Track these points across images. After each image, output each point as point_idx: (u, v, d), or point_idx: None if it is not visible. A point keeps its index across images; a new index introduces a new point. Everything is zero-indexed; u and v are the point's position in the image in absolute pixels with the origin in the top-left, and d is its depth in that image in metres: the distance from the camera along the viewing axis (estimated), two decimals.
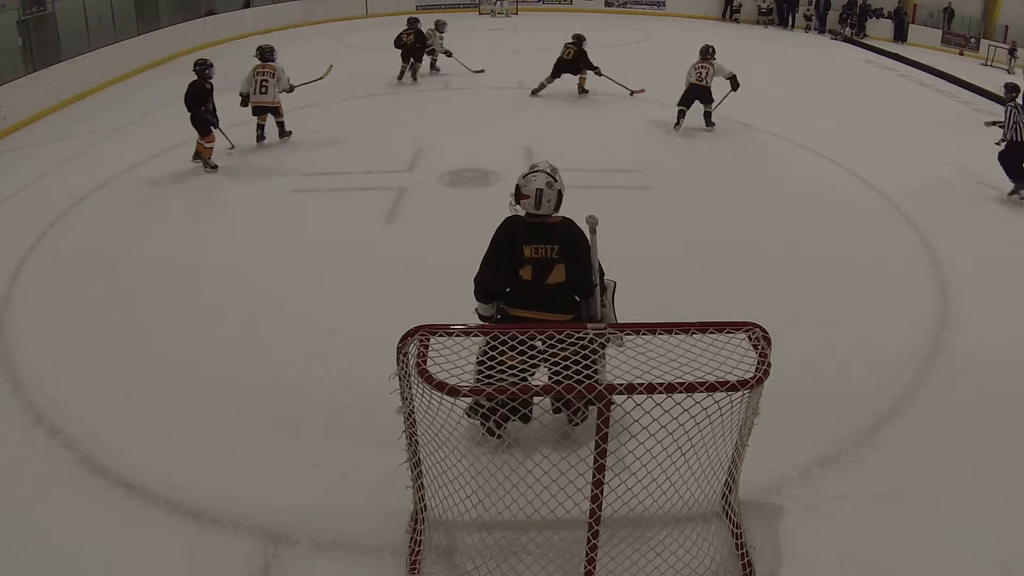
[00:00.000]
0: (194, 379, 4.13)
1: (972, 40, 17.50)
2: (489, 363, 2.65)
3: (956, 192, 7.39)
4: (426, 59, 12.12)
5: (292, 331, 4.59)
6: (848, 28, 19.29)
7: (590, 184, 7.12)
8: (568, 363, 2.55)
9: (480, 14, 21.36)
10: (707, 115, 9.13)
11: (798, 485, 3.35)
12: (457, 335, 2.63)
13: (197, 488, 3.27)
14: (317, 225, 6.28)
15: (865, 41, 18.67)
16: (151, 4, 14.52)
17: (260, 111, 8.47)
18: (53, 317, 4.86)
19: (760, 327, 2.68)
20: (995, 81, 11.08)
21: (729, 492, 3.01)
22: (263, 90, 8.35)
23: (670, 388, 2.36)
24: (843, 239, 6.10)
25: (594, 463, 2.49)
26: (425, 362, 2.47)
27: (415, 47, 11.62)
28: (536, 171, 3.29)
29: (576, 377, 2.46)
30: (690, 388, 2.38)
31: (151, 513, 3.17)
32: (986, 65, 15.79)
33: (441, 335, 2.60)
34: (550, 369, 2.73)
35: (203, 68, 7.53)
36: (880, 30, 19.22)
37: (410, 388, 2.60)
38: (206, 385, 4.08)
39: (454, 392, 2.35)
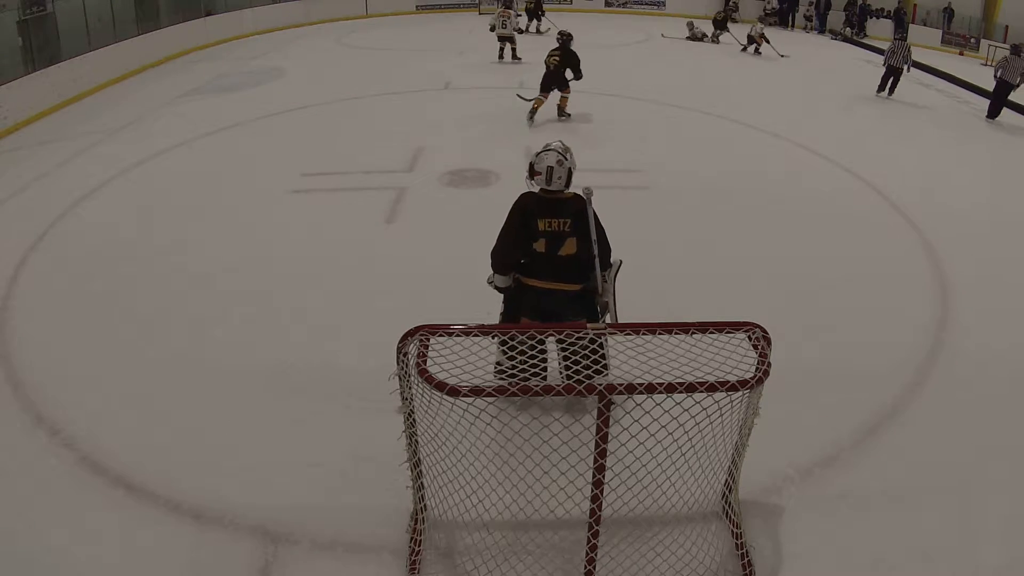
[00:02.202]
0: (194, 379, 4.13)
1: (972, 40, 17.49)
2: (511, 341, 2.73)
3: (956, 192, 7.38)
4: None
5: (292, 331, 4.59)
6: (848, 28, 19.29)
7: (590, 184, 7.11)
8: (578, 349, 2.62)
9: (480, 14, 21.34)
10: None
11: (798, 485, 3.35)
12: (457, 335, 2.63)
13: (197, 488, 3.27)
14: (317, 225, 6.28)
15: (865, 41, 18.67)
16: (151, 4, 14.53)
17: (502, 39, 13.28)
18: (53, 317, 4.86)
19: (760, 327, 2.68)
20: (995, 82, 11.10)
21: (729, 492, 3.01)
22: (504, 25, 13.14)
23: (670, 388, 2.36)
24: (843, 239, 6.10)
25: (594, 463, 2.49)
26: (425, 362, 2.47)
27: (535, 9, 17.23)
28: (548, 149, 3.52)
29: (583, 364, 2.53)
30: (690, 388, 2.38)
31: (151, 513, 3.17)
32: (986, 65, 15.77)
33: (441, 335, 2.60)
34: (561, 353, 2.77)
35: (570, 38, 9.42)
36: (880, 30, 19.22)
37: (410, 388, 2.60)
38: (206, 385, 4.08)
39: (454, 392, 2.35)
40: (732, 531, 2.97)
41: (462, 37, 17.04)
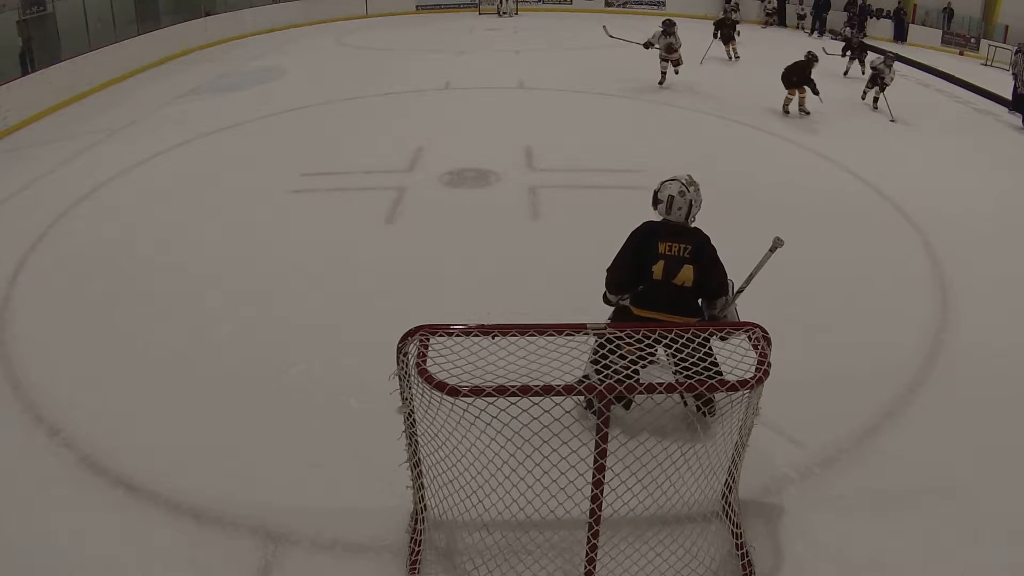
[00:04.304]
0: (194, 379, 4.13)
1: (972, 40, 17.48)
2: (603, 357, 2.70)
3: (956, 192, 7.38)
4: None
5: (292, 331, 4.59)
6: (848, 28, 19.26)
7: (590, 184, 7.13)
8: (692, 359, 2.63)
9: (480, 14, 21.36)
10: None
11: (798, 485, 3.35)
12: (457, 335, 2.63)
13: (197, 488, 3.27)
14: (317, 225, 6.28)
15: (865, 41, 18.64)
16: (151, 4, 14.53)
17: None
18: (53, 317, 4.86)
19: (760, 327, 2.68)
20: (995, 81, 11.09)
21: (729, 492, 3.01)
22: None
23: (670, 388, 2.36)
24: (843, 239, 6.10)
25: (594, 463, 2.49)
26: (425, 362, 2.47)
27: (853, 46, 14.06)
28: (672, 179, 3.56)
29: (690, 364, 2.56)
30: (690, 388, 2.38)
31: (151, 513, 3.17)
32: (986, 65, 15.77)
33: (441, 335, 2.60)
34: (676, 365, 2.78)
35: (815, 58, 10.12)
36: (880, 30, 19.20)
37: (410, 388, 2.61)
38: (206, 385, 4.08)
39: (454, 392, 2.36)
40: (732, 531, 2.97)
41: (462, 37, 17.06)
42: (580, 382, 2.42)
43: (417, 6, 21.76)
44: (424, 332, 2.58)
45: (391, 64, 13.63)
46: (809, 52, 10.10)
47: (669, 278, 3.43)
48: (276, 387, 4.05)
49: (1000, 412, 3.92)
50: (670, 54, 11.24)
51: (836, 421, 3.75)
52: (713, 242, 3.54)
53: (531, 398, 2.39)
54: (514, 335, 2.67)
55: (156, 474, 3.36)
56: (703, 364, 2.66)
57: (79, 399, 3.94)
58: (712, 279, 3.48)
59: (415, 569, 2.84)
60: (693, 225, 3.59)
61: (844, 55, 13.57)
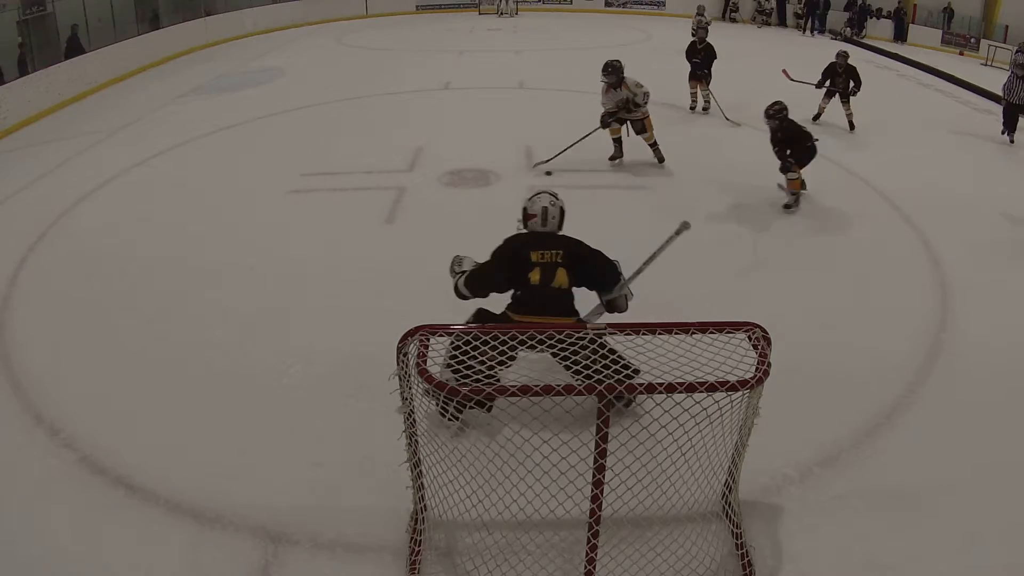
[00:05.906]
0: (194, 379, 4.13)
1: (972, 40, 17.48)
2: (461, 356, 2.66)
3: (956, 192, 7.38)
4: None
5: (292, 331, 4.59)
6: (848, 28, 19.26)
7: (588, 184, 7.13)
8: (586, 360, 2.62)
9: (480, 14, 21.37)
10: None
11: (798, 485, 3.35)
12: (457, 335, 2.63)
13: (197, 488, 3.27)
14: (317, 225, 6.28)
15: (865, 41, 18.65)
16: (151, 4, 14.54)
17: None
18: (53, 317, 4.86)
19: (760, 327, 2.68)
20: (995, 81, 11.06)
21: (729, 492, 3.01)
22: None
23: (670, 388, 2.36)
24: (843, 239, 6.10)
25: (594, 463, 2.49)
26: (425, 362, 2.47)
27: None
28: (539, 193, 3.68)
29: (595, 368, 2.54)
30: (690, 388, 2.38)
31: (151, 513, 3.17)
32: (986, 65, 15.77)
33: (441, 335, 2.60)
34: (569, 367, 2.76)
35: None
36: (880, 30, 19.20)
37: (410, 388, 2.61)
38: (206, 385, 4.08)
39: (454, 392, 2.36)
40: (732, 531, 2.97)
41: (462, 37, 17.06)
42: (587, 378, 2.42)
43: (417, 6, 21.77)
44: (424, 332, 2.58)
45: (391, 64, 13.62)
46: None
47: (546, 283, 3.50)
48: (276, 387, 4.05)
49: (999, 412, 3.92)
50: (629, 114, 7.46)
51: (836, 421, 3.75)
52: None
53: (531, 398, 2.39)
54: (514, 335, 2.67)
55: (156, 474, 3.36)
56: (604, 362, 2.63)
57: (79, 399, 3.94)
58: (596, 272, 3.60)
59: (415, 569, 2.84)
60: (560, 233, 3.67)
61: (826, 85, 9.46)
